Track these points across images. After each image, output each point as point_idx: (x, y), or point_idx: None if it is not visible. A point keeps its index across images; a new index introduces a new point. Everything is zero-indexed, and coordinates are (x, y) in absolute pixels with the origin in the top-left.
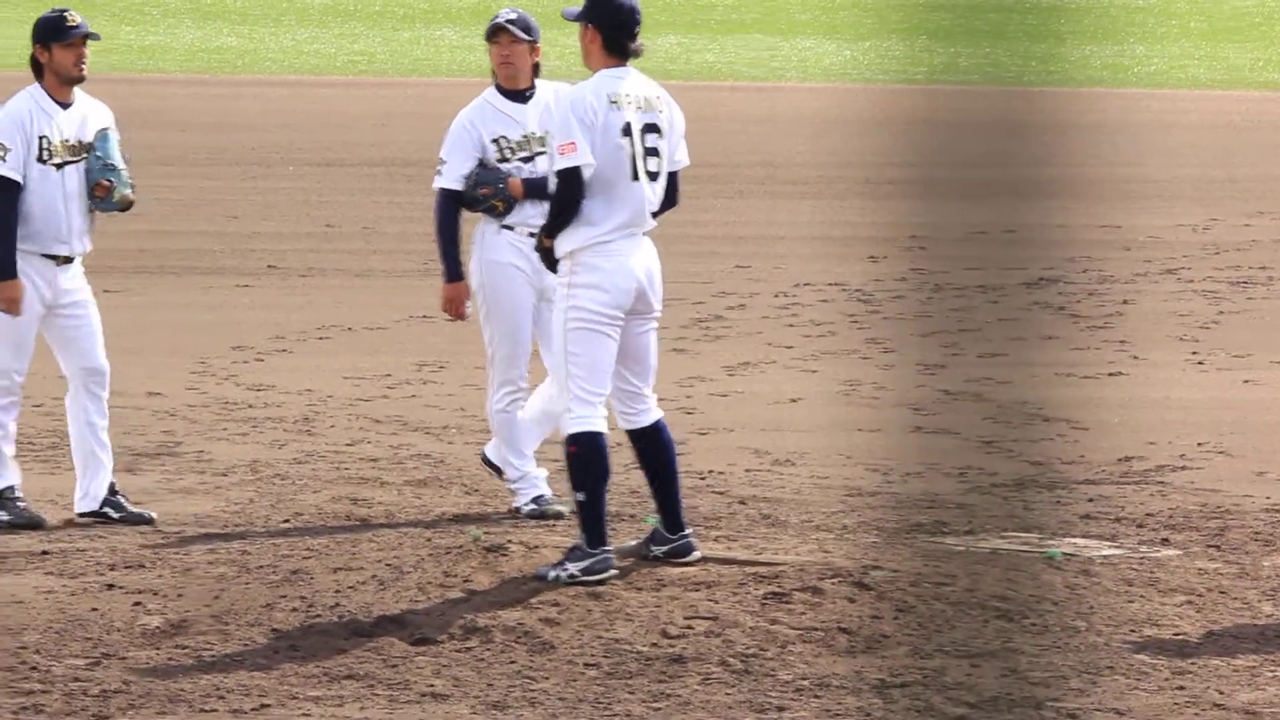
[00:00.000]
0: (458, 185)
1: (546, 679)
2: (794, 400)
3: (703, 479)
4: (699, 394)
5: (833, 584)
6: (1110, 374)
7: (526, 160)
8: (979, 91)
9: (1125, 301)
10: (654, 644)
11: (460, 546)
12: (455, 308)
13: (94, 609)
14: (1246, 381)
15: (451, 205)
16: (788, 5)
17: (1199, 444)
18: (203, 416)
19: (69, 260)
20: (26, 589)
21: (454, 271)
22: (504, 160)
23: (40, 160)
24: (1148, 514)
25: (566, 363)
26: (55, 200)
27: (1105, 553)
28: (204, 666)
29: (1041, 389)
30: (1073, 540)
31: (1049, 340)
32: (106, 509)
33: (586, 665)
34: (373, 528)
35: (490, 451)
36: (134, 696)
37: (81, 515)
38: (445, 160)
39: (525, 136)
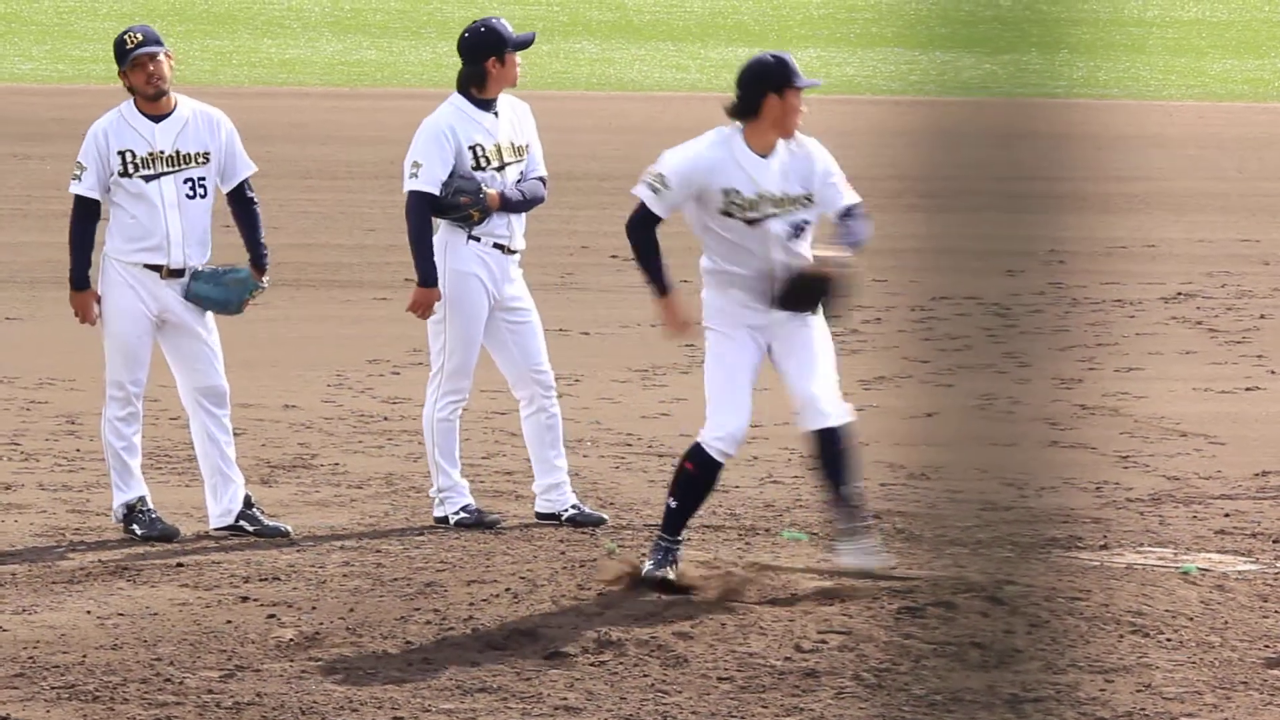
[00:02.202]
0: (435, 189)
1: (679, 693)
2: (930, 414)
3: None
4: None
5: (966, 598)
6: (1248, 389)
7: (499, 170)
8: (1093, 105)
9: (1263, 316)
10: (787, 658)
11: (594, 559)
12: (426, 312)
13: (229, 621)
14: None
15: (427, 209)
16: (922, 18)
17: None
18: (339, 429)
19: (177, 273)
20: (161, 601)
21: (430, 276)
22: (479, 168)
23: (125, 174)
24: None
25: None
26: (151, 211)
27: (1241, 568)
28: (337, 679)
29: (1178, 404)
30: (1208, 555)
31: (1186, 355)
32: (242, 522)
33: (720, 679)
34: (507, 540)
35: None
36: (267, 709)
37: (217, 530)
38: (421, 164)
39: (497, 145)
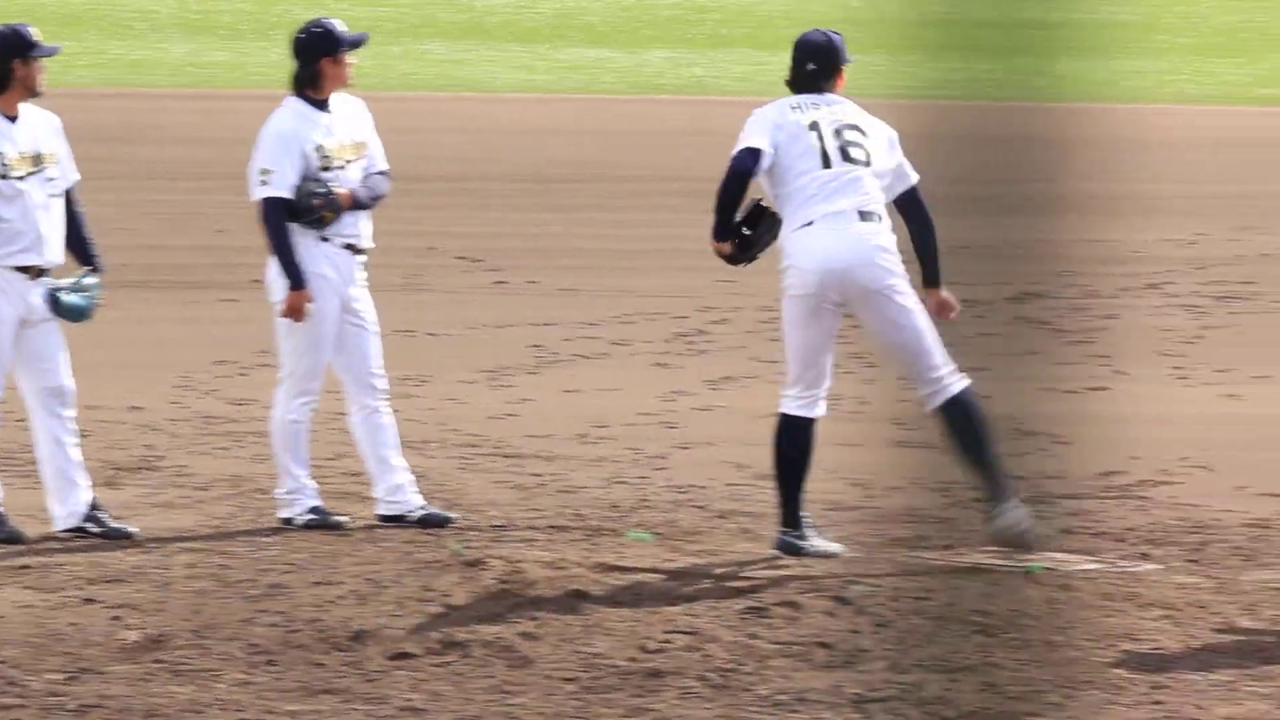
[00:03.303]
0: (288, 193)
1: (524, 693)
2: (776, 415)
3: (684, 493)
4: (681, 408)
5: (811, 598)
6: (1093, 389)
7: (342, 169)
8: (963, 107)
9: (1109, 316)
10: (632, 658)
11: (439, 560)
12: (300, 315)
13: (72, 623)
14: (1229, 396)
15: (283, 213)
16: (773, 20)
17: (1181, 459)
18: (184, 431)
19: (44, 272)
20: (4, 603)
21: (300, 279)
22: (325, 169)
23: (2, 177)
24: (1128, 529)
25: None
26: (24, 213)
27: (1085, 567)
28: (182, 681)
29: (1024, 403)
30: (1052, 555)
31: (1032, 355)
32: (87, 524)
33: (564, 680)
34: (352, 542)
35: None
36: (111, 711)
37: (62, 532)
38: (271, 169)
39: (339, 144)
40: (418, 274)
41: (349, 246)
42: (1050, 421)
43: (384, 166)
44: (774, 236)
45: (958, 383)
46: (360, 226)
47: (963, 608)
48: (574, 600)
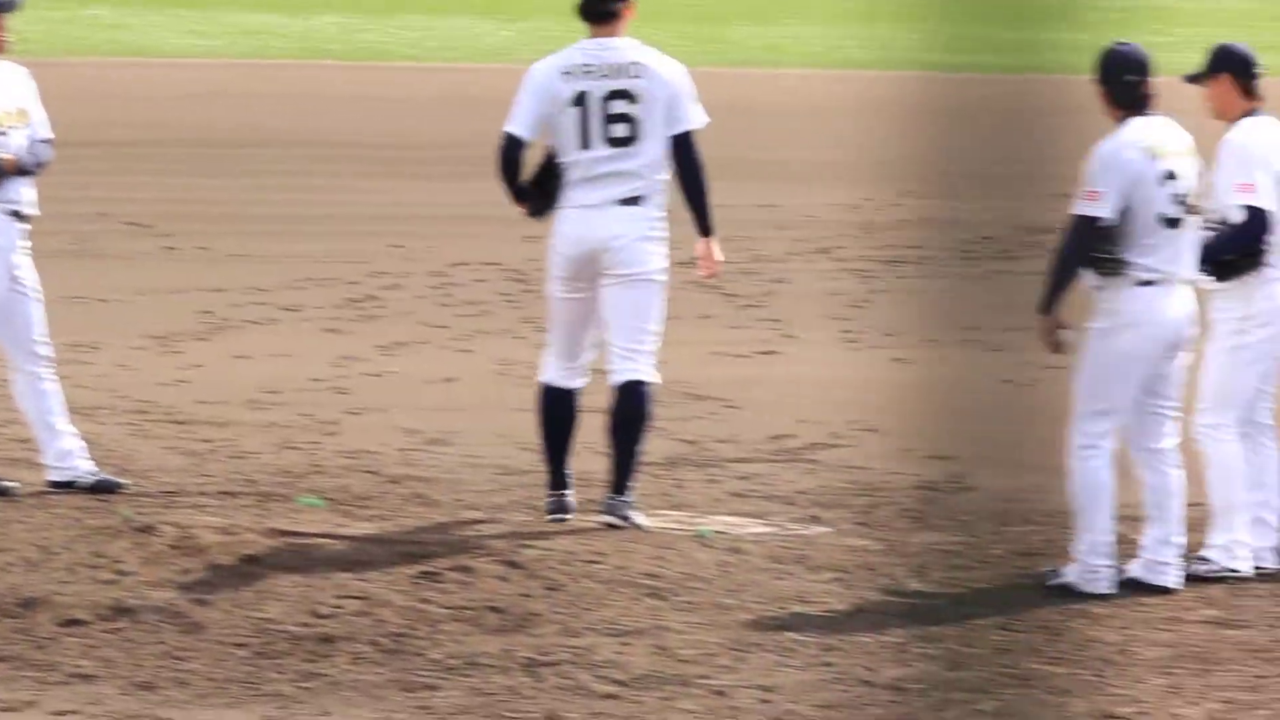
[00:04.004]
0: None
1: (195, 659)
2: (448, 380)
3: (355, 459)
4: (352, 373)
5: (484, 563)
6: (763, 352)
7: (2, 136)
8: None
9: (779, 280)
10: (304, 624)
11: (110, 526)
12: None
13: None
14: (896, 360)
15: None
16: None
17: (849, 422)
18: None
19: None
20: None
21: None
22: None
23: None
24: (798, 491)
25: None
26: None
27: (755, 530)
28: None
29: (695, 368)
30: (724, 518)
31: (703, 319)
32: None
33: (235, 645)
34: (22, 508)
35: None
36: None
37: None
38: None
39: (1, 112)
40: (88, 240)
41: (13, 213)
42: (720, 386)
43: (47, 134)
44: None
45: (648, 373)
46: (24, 193)
47: (633, 571)
48: (245, 566)
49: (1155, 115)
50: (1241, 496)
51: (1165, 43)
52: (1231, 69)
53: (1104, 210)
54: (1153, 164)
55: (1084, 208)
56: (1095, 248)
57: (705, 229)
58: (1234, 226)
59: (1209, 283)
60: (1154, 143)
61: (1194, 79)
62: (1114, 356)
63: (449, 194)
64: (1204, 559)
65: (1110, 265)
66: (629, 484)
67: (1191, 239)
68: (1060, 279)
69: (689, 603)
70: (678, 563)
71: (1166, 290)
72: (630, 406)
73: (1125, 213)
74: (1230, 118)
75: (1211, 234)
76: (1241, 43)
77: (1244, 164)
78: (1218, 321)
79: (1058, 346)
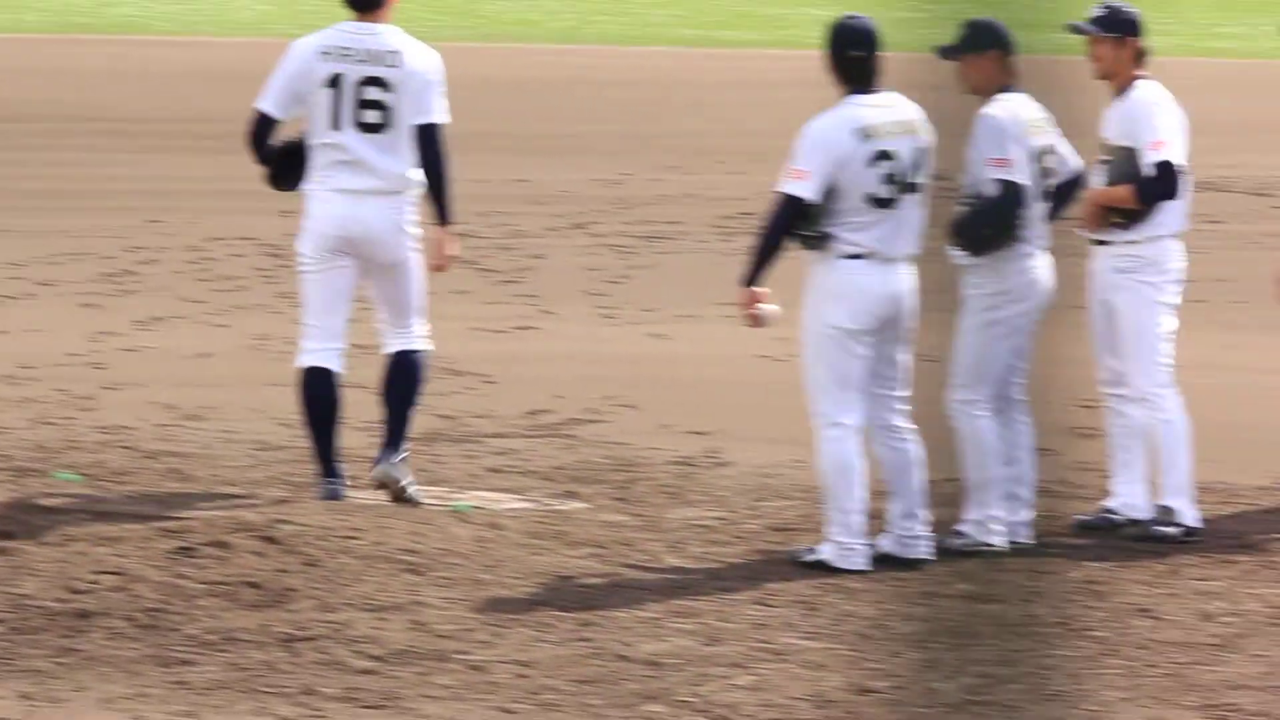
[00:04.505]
0: None
1: None
2: (204, 355)
3: (111, 434)
4: (108, 348)
5: (240, 538)
6: (521, 328)
7: None
8: None
9: (536, 256)
10: (60, 599)
11: None
12: None
13: None
14: (654, 335)
15: None
16: None
17: (607, 397)
18: None
19: None
20: None
21: None
22: None
23: None
24: (555, 467)
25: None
26: None
27: (513, 506)
28: None
29: (452, 343)
30: (481, 493)
31: (460, 295)
32: None
33: None
34: None
35: None
36: None
37: None
38: None
39: None
40: None
41: None
42: (478, 361)
43: None
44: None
45: (419, 343)
46: None
47: (391, 546)
48: (0, 541)
49: (880, 91)
50: (995, 472)
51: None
52: (997, 45)
53: (807, 191)
54: (864, 144)
55: (789, 186)
56: (799, 225)
57: (443, 219)
58: (989, 200)
59: (963, 257)
60: (868, 122)
61: (950, 53)
62: (829, 329)
63: (205, 168)
64: (959, 533)
65: (814, 241)
66: (402, 443)
67: (908, 217)
68: (762, 254)
69: (446, 578)
70: (435, 538)
71: (874, 265)
72: (403, 371)
73: (832, 191)
74: (987, 93)
75: (966, 208)
76: (1000, 19)
77: (999, 139)
78: (971, 297)
79: (757, 320)
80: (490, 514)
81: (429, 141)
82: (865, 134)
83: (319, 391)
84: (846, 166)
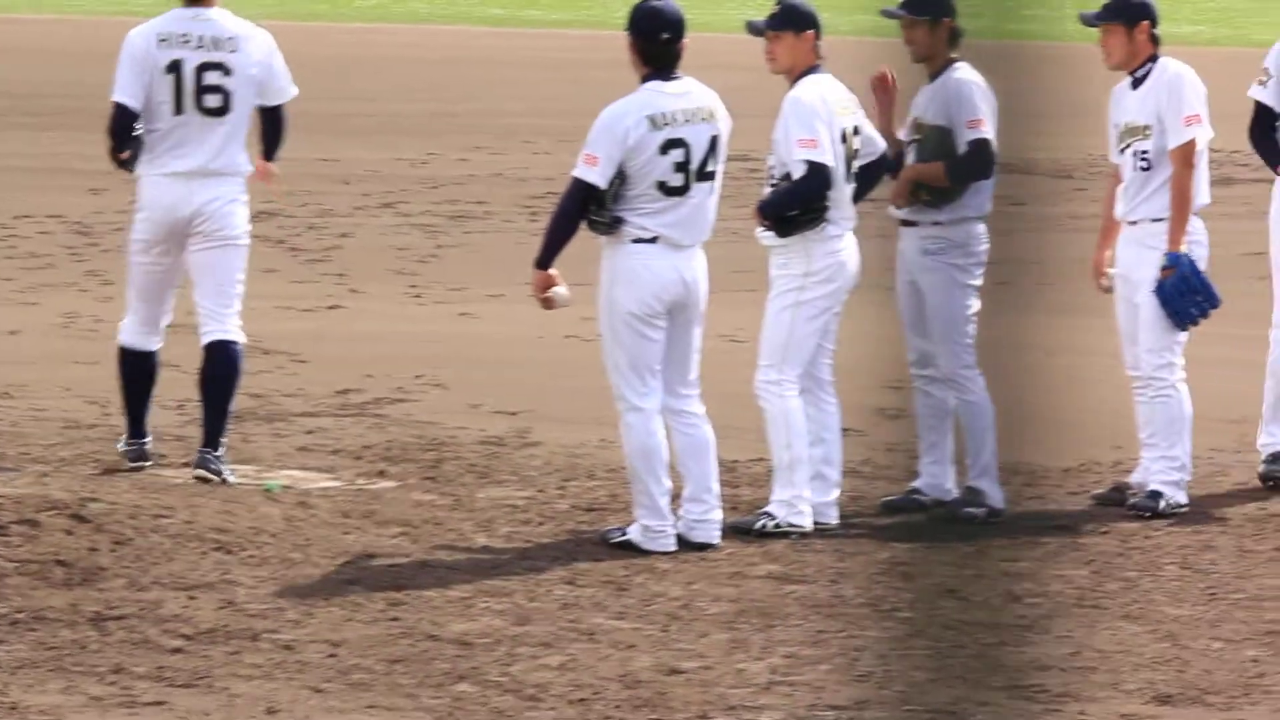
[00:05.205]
0: None
1: None
2: (12, 333)
3: None
4: None
5: (50, 516)
6: (330, 307)
7: None
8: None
9: (344, 235)
10: None
11: None
12: None
13: None
14: (463, 315)
15: None
16: None
17: (416, 377)
18: None
19: None
20: None
21: None
22: None
23: None
24: (365, 446)
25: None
26: None
27: (322, 485)
28: None
29: (261, 322)
30: (291, 472)
31: (269, 274)
32: None
33: None
34: None
35: None
36: None
37: None
38: None
39: None
40: None
41: None
42: (286, 340)
43: None
44: None
45: (236, 333)
46: None
47: (201, 525)
48: None
49: (679, 78)
50: (803, 452)
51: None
52: (810, 26)
53: (597, 177)
54: (656, 132)
55: (580, 171)
56: (590, 209)
57: (268, 156)
58: (796, 182)
59: (770, 238)
60: (663, 109)
61: (758, 31)
62: (622, 314)
63: (12, 145)
64: (767, 514)
65: (605, 226)
66: (221, 439)
67: (701, 204)
68: (555, 238)
69: (256, 557)
70: (245, 517)
71: (665, 250)
72: (220, 365)
73: (623, 177)
74: (794, 74)
75: (772, 189)
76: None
77: (806, 120)
78: (778, 278)
79: (549, 302)
80: (300, 493)
81: (274, 120)
82: (658, 121)
83: (136, 364)
84: (638, 154)
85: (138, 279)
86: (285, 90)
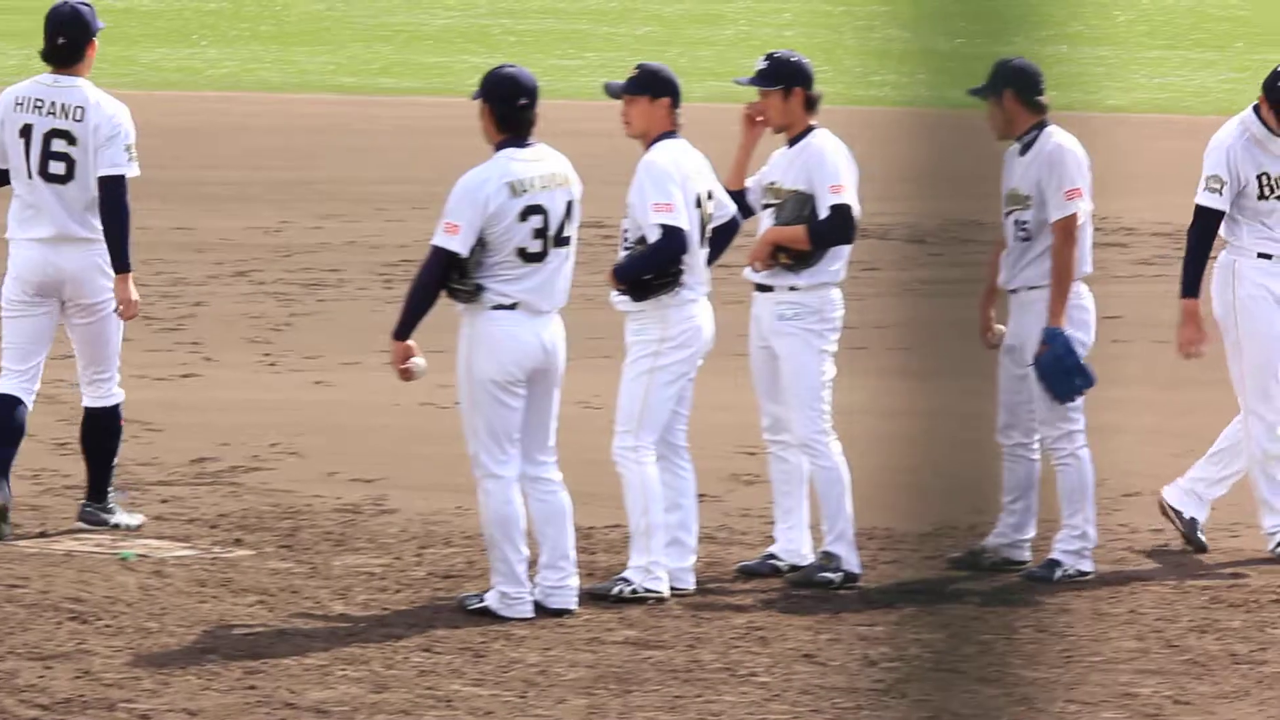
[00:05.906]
0: None
1: None
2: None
3: None
4: None
5: None
6: (184, 375)
7: None
8: None
9: (198, 304)
10: None
11: None
12: None
13: None
14: (318, 383)
15: None
16: None
17: (271, 445)
18: None
19: None
20: None
21: None
22: None
23: None
24: (221, 515)
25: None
26: None
27: (178, 554)
28: None
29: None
30: (146, 541)
31: (123, 342)
32: None
33: None
34: None
35: None
36: None
37: None
38: None
39: None
40: None
41: None
42: (141, 408)
43: None
44: None
45: (115, 395)
46: None
47: (56, 595)
48: None
49: (533, 144)
50: (659, 518)
51: (576, 66)
52: (668, 92)
53: (459, 245)
54: (514, 199)
55: (440, 239)
56: (451, 277)
57: (120, 267)
58: (651, 246)
59: (625, 303)
60: (520, 176)
61: (615, 94)
62: (482, 381)
63: None
64: (624, 580)
65: (465, 294)
66: (107, 490)
67: (559, 269)
68: (415, 307)
69: (112, 626)
70: (101, 586)
71: (524, 316)
72: (101, 424)
73: (483, 244)
74: (649, 138)
75: (628, 254)
76: (667, 66)
77: (662, 183)
78: (634, 344)
79: (407, 373)
80: (156, 561)
81: (109, 193)
82: (516, 188)
83: (5, 413)
84: (498, 220)
85: (9, 330)
86: (116, 163)
